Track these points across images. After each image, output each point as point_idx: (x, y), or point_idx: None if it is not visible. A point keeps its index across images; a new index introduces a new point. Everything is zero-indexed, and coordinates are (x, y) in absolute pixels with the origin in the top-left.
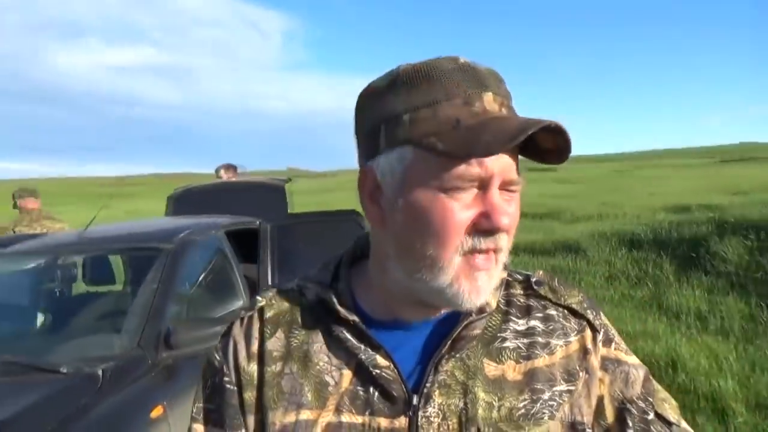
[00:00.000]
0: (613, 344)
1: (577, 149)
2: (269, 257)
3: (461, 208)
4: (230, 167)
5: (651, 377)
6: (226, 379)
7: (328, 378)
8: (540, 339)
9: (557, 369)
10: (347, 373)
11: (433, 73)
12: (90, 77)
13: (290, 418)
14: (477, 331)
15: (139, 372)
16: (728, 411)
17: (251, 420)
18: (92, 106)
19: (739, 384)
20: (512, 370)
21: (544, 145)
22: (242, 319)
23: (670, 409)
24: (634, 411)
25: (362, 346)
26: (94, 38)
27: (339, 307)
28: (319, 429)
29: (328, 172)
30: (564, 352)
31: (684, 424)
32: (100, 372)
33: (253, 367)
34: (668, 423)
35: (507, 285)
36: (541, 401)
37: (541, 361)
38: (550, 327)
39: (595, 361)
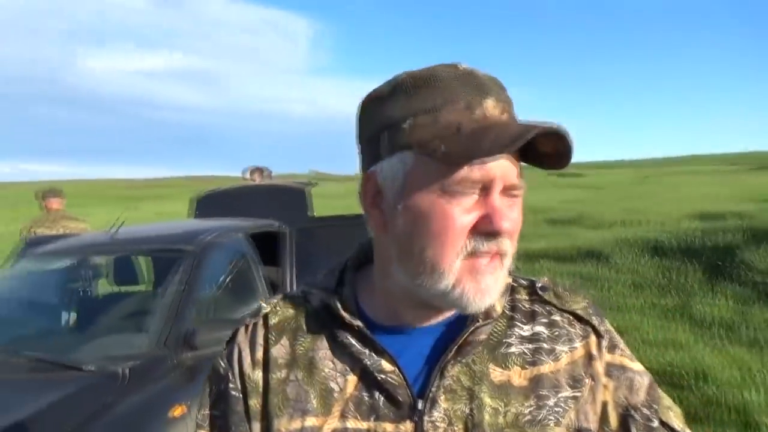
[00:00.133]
0: (618, 350)
1: (602, 154)
2: (290, 260)
3: (462, 212)
4: (259, 170)
5: (656, 385)
6: (231, 386)
7: (333, 384)
8: (545, 345)
9: (562, 375)
10: (352, 379)
11: (434, 79)
12: (121, 82)
13: (296, 424)
14: (483, 337)
15: (161, 371)
16: (758, 424)
17: (256, 427)
18: (123, 110)
19: None
20: (518, 376)
21: (544, 150)
22: (247, 326)
23: (675, 417)
24: (638, 418)
25: (367, 351)
26: (126, 44)
27: (343, 313)
28: None
29: (353, 176)
30: (569, 359)
31: None
32: (123, 371)
33: (258, 374)
34: (673, 431)
35: (512, 291)
36: (546, 407)
37: (546, 367)
38: (555, 333)
39: (600, 367)
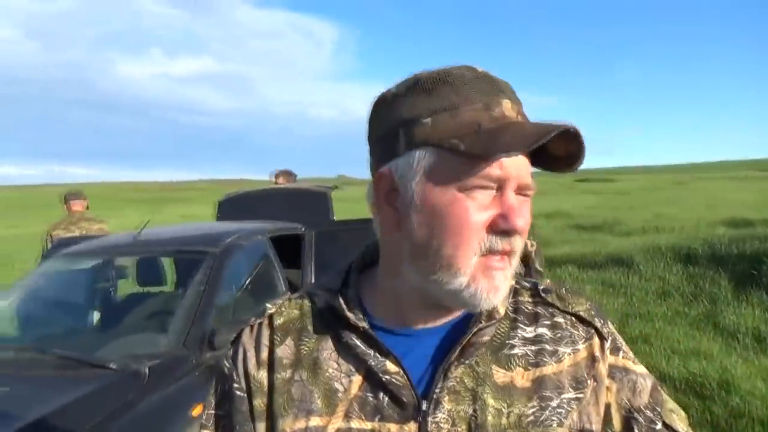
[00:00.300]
0: (621, 353)
1: (634, 160)
2: (311, 263)
3: (479, 209)
4: (286, 173)
5: (659, 387)
6: (235, 386)
7: (337, 384)
8: (548, 346)
9: (565, 376)
10: (356, 380)
11: (453, 79)
12: (153, 86)
13: (300, 424)
14: (486, 338)
15: (182, 371)
16: None
17: (261, 427)
18: (154, 114)
19: None
20: (521, 377)
21: (556, 152)
22: (252, 327)
23: (679, 420)
24: (641, 420)
25: (371, 352)
26: (157, 50)
27: (348, 314)
28: None
29: None
30: (572, 360)
31: None
32: (145, 369)
33: (263, 375)
34: None
35: (515, 292)
36: (549, 408)
37: (549, 368)
38: (558, 334)
39: (603, 369)
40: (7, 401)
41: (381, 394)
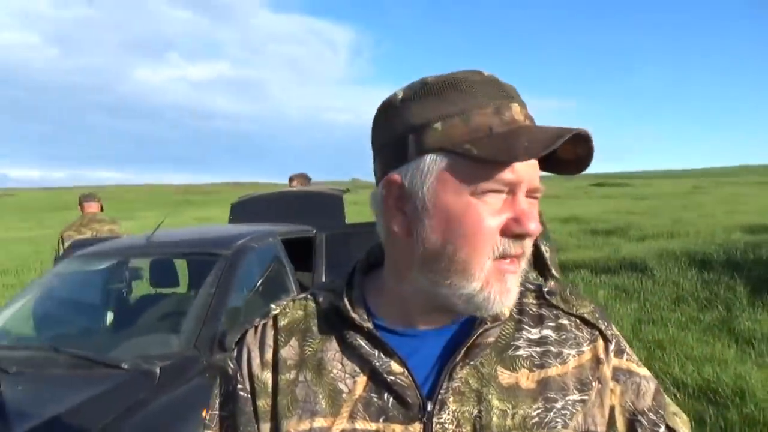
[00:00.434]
0: (625, 355)
1: (651, 164)
2: (322, 265)
3: (493, 214)
4: (300, 176)
5: (662, 390)
6: (239, 386)
7: (341, 385)
8: (553, 348)
9: (570, 378)
10: (361, 380)
11: (461, 84)
12: (171, 91)
13: (304, 425)
14: (491, 339)
15: (193, 371)
16: None
17: (265, 428)
18: (173, 119)
19: None
20: (526, 379)
21: (565, 156)
22: (256, 328)
23: (682, 424)
24: (645, 423)
25: (376, 353)
26: (176, 54)
27: (353, 314)
28: None
29: None
30: (577, 362)
31: None
32: (157, 370)
33: (267, 375)
34: None
35: (520, 294)
36: (554, 410)
37: (553, 370)
38: (563, 336)
39: (607, 371)
40: (22, 400)
41: (386, 395)
